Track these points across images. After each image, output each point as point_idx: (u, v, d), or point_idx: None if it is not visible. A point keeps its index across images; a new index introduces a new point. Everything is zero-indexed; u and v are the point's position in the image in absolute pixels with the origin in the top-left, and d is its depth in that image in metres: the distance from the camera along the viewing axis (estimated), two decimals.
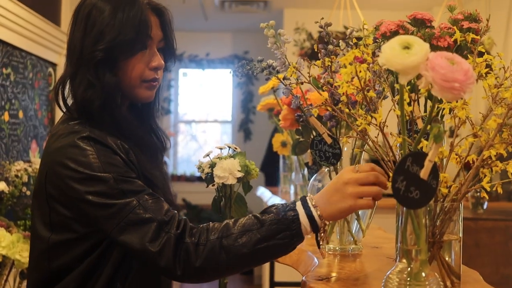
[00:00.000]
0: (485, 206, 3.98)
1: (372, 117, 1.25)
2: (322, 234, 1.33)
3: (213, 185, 1.56)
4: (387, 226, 2.20)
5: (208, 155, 1.58)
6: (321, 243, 1.35)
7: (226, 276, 1.50)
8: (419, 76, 0.96)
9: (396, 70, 0.93)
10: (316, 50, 1.59)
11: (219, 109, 8.48)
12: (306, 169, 2.47)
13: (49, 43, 4.24)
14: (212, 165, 1.56)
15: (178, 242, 1.33)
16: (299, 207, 1.33)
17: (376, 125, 1.19)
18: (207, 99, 8.41)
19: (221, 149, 1.61)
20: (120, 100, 1.48)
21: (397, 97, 1.18)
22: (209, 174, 1.57)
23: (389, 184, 1.18)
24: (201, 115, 8.50)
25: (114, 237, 1.35)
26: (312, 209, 1.32)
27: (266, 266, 4.45)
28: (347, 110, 1.31)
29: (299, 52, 4.91)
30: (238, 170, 1.53)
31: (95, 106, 1.44)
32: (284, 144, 3.07)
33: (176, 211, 1.40)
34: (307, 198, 1.34)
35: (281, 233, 1.31)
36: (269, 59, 1.69)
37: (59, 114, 4.42)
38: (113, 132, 1.45)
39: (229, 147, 1.61)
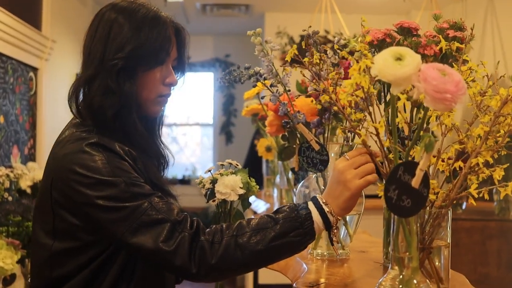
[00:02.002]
0: (463, 207, 4.02)
1: (360, 121, 1.26)
2: (335, 231, 1.37)
3: (214, 201, 1.56)
4: (370, 227, 2.22)
5: (209, 170, 1.59)
6: (334, 239, 1.38)
7: (239, 275, 1.50)
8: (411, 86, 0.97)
9: (389, 81, 0.94)
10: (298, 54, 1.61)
11: (201, 112, 8.46)
12: (290, 173, 2.48)
13: (30, 47, 4.22)
14: (214, 181, 1.56)
15: (193, 241, 1.34)
16: (311, 205, 1.37)
17: (371, 132, 1.21)
18: (188, 102, 8.39)
19: (222, 165, 1.61)
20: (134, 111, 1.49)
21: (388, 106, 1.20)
22: (210, 189, 1.57)
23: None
24: (182, 118, 8.48)
25: (126, 240, 1.35)
26: (324, 206, 1.35)
27: None
28: (349, 110, 1.31)
29: (280, 56, 4.93)
30: (240, 187, 1.54)
31: (110, 113, 1.45)
32: (268, 149, 3.09)
33: (186, 213, 1.41)
34: (318, 197, 1.38)
35: (295, 231, 1.34)
36: (250, 63, 1.70)
37: (40, 119, 4.43)
38: (122, 140, 1.46)
39: (230, 164, 1.61)
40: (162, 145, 1.65)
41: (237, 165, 1.60)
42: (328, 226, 1.35)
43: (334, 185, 1.36)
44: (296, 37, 5.21)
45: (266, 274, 4.25)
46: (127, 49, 1.46)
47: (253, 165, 6.27)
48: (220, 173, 1.56)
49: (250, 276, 4.88)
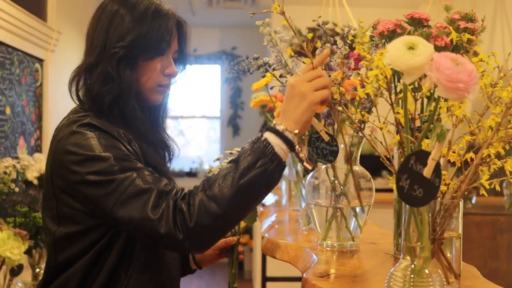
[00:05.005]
0: (473, 201, 4.01)
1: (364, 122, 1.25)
2: (297, 147, 1.35)
3: None
4: (379, 220, 2.22)
5: (218, 159, 1.59)
6: (301, 155, 1.37)
7: (225, 232, 1.44)
8: (422, 76, 0.97)
9: (401, 70, 0.94)
10: (307, 47, 1.61)
11: (207, 104, 8.46)
12: (299, 165, 2.48)
13: (36, 38, 4.22)
14: None
15: (175, 206, 1.33)
16: (266, 132, 1.36)
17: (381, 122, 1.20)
18: (195, 94, 8.38)
19: (231, 153, 1.61)
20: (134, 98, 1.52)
21: (400, 95, 1.19)
22: None
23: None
24: (188, 111, 8.48)
25: (116, 214, 1.35)
26: (277, 127, 1.34)
27: (258, 261, 4.45)
28: (353, 109, 1.32)
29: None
30: None
31: (108, 99, 1.48)
32: None
33: (175, 184, 1.41)
34: (271, 122, 1.37)
35: (259, 161, 1.32)
36: (257, 54, 1.70)
37: (46, 110, 4.43)
38: (119, 125, 1.49)
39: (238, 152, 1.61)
40: (166, 136, 1.67)
41: None
42: (291, 145, 1.33)
43: (288, 100, 1.34)
44: (303, 29, 5.19)
45: (274, 267, 4.26)
46: (129, 38, 1.49)
47: None
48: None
49: (257, 268, 4.88)
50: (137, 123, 1.52)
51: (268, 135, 1.34)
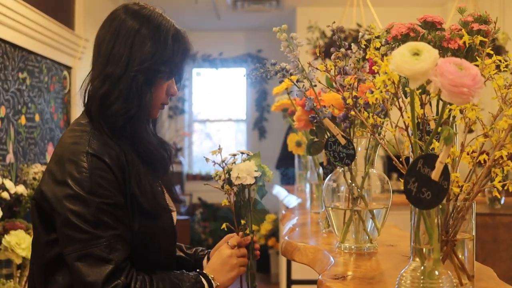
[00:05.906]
0: (502, 201, 3.96)
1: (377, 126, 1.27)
2: None
3: (233, 189, 1.60)
4: (401, 222, 2.22)
5: (223, 161, 1.62)
6: None
7: None
8: (429, 81, 0.98)
9: (406, 76, 0.95)
10: (318, 54, 1.64)
11: (234, 107, 8.50)
12: (321, 168, 2.49)
13: (64, 46, 4.29)
14: (229, 171, 1.60)
15: None
16: (204, 280, 1.59)
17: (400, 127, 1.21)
18: (221, 98, 8.43)
19: (234, 155, 1.65)
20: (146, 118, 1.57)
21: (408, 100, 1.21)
22: (227, 179, 1.61)
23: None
24: (215, 114, 8.52)
25: (69, 260, 1.41)
26: (213, 282, 1.60)
27: (283, 264, 4.47)
28: (366, 114, 1.34)
29: (312, 51, 4.92)
30: (255, 170, 1.57)
31: (123, 118, 1.50)
32: (299, 144, 3.10)
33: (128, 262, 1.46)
34: (207, 273, 1.61)
35: None
36: (282, 58, 1.72)
37: (74, 117, 4.50)
38: (125, 142, 1.52)
39: (242, 153, 1.65)
40: (160, 139, 1.71)
41: (249, 153, 1.64)
42: None
43: (222, 265, 1.64)
44: (328, 31, 5.19)
45: (299, 270, 4.27)
46: (151, 62, 1.52)
47: (286, 161, 6.29)
48: (233, 162, 1.60)
49: (283, 271, 4.90)
50: (143, 141, 1.55)
51: (206, 285, 1.58)
